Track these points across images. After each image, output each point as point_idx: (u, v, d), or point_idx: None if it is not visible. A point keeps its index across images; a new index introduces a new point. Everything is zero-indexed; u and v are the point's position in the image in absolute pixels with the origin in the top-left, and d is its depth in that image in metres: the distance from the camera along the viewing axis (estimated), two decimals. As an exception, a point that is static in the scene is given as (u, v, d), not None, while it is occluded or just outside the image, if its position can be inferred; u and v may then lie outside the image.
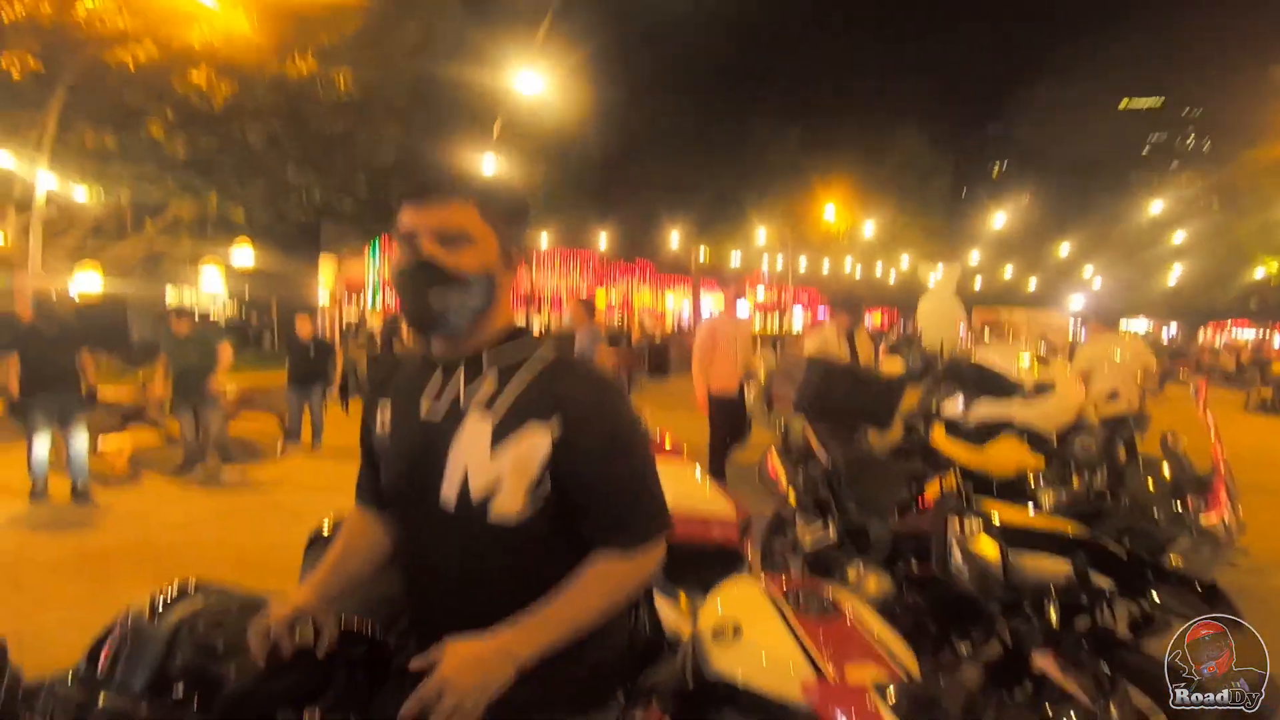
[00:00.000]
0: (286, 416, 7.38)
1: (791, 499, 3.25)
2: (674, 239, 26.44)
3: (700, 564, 1.80)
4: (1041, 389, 2.07)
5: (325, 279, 19.49)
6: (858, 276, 33.93)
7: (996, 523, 1.96)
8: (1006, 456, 2.08)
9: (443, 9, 12.28)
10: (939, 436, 2.27)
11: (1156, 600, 1.78)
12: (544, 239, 23.19)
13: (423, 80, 12.37)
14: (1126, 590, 1.82)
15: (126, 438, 6.31)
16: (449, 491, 1.03)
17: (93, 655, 1.10)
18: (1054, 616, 1.85)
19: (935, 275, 22.99)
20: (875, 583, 2.47)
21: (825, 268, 32.15)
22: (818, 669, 1.26)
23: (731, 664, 1.30)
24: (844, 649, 1.32)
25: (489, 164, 12.80)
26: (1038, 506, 2.06)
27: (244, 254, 12.92)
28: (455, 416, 1.05)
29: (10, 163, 8.95)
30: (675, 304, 31.27)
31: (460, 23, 13.08)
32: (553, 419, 1.00)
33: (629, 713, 1.14)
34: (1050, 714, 1.47)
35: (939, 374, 6.74)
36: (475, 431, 1.02)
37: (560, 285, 27.01)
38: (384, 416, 1.15)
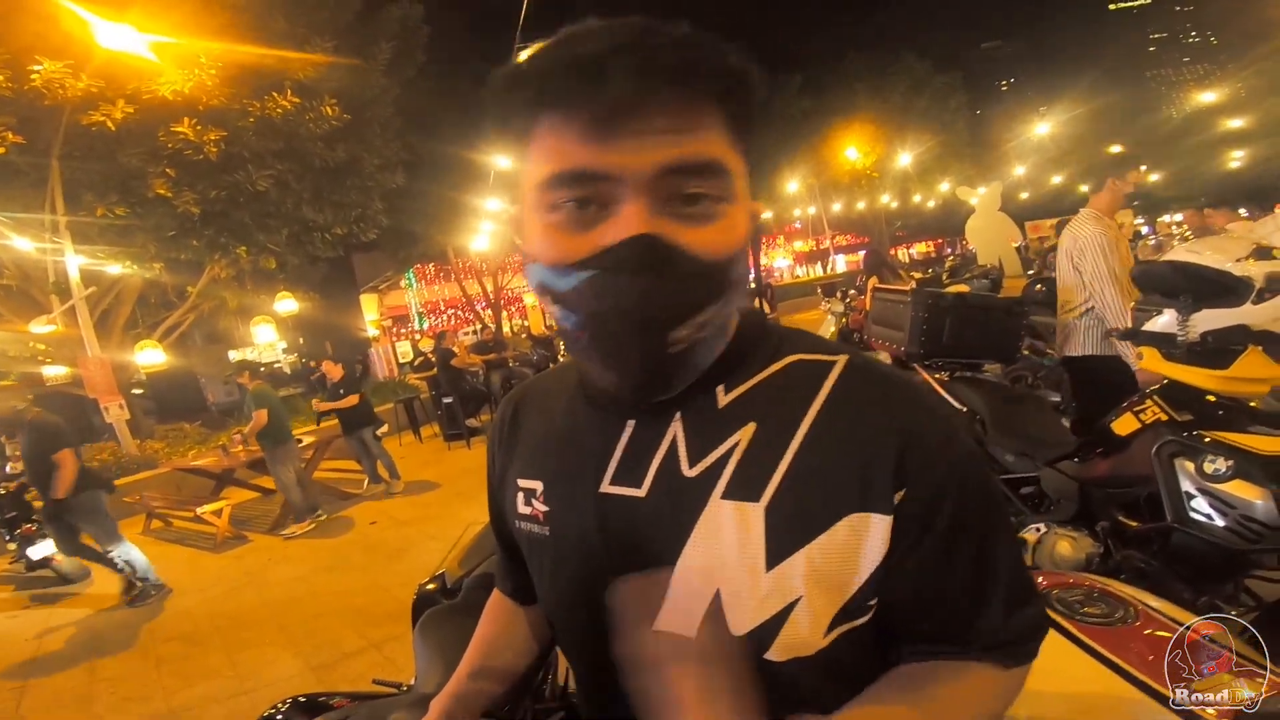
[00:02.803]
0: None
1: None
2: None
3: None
4: (1275, 285, 1.64)
5: (369, 314, 19.78)
6: (894, 209, 32.79)
7: (1257, 457, 1.55)
8: (1256, 372, 1.65)
9: (408, 23, 12.16)
10: (1155, 362, 1.86)
11: None
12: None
13: (409, 94, 12.26)
14: None
15: (223, 504, 6.39)
16: (680, 615, 0.58)
17: None
18: None
19: (976, 197, 21.99)
20: (1071, 545, 2.08)
21: (860, 207, 31.10)
22: (1160, 698, 0.91)
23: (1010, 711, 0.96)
24: (1178, 660, 0.97)
25: (504, 161, 12.56)
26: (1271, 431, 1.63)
27: (287, 304, 13.09)
28: (681, 498, 0.59)
29: (33, 248, 9.14)
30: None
31: (430, 31, 12.90)
32: (891, 499, 0.56)
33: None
34: None
35: (1034, 291, 6.19)
36: (730, 531, 0.57)
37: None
38: (529, 494, 0.70)
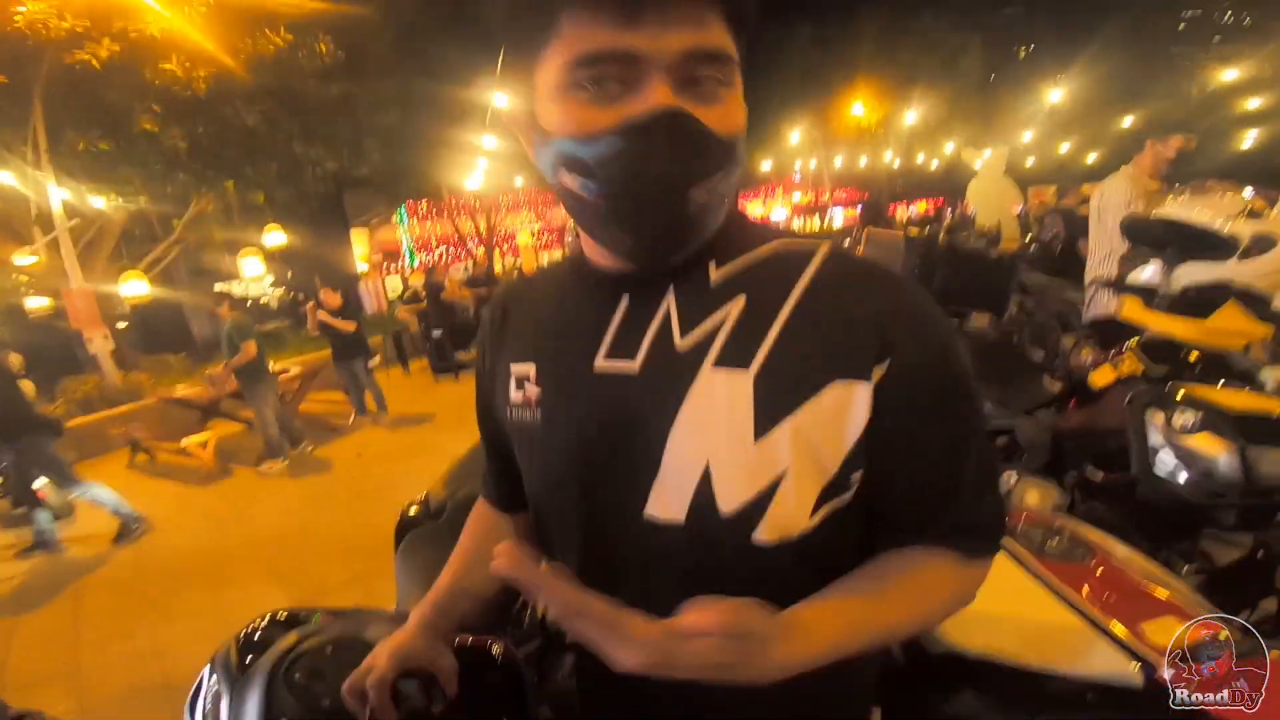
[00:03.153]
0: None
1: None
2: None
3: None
4: (1261, 244, 1.64)
5: (359, 249, 19.52)
6: (896, 168, 32.36)
7: (1224, 412, 1.57)
8: (1233, 325, 1.66)
9: None
10: (1136, 311, 1.86)
11: None
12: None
13: (406, 31, 11.82)
14: None
15: (208, 435, 6.42)
16: (671, 497, 0.61)
17: (192, 705, 0.87)
18: None
19: (981, 159, 21.71)
20: (1039, 494, 2.13)
21: (862, 163, 30.68)
22: (1105, 631, 0.94)
23: (970, 634, 0.99)
24: (1124, 599, 1.00)
25: (502, 104, 12.20)
26: (1260, 388, 1.65)
27: (276, 237, 12.90)
28: (673, 370, 0.62)
29: (16, 182, 8.97)
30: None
31: None
32: (872, 369, 0.58)
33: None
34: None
35: (1027, 251, 6.17)
36: (721, 399, 0.60)
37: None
38: (520, 380, 0.71)
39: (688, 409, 0.60)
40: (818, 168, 29.62)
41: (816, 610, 0.59)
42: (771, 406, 0.58)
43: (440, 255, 21.00)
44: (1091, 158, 39.51)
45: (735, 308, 0.61)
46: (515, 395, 0.71)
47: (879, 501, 0.64)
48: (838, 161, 29.95)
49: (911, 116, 27.07)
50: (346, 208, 18.93)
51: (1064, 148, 36.87)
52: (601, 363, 0.65)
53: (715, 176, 0.57)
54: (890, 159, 30.56)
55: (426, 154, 14.78)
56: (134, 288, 10.75)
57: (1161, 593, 1.03)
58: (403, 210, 20.34)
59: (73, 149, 8.59)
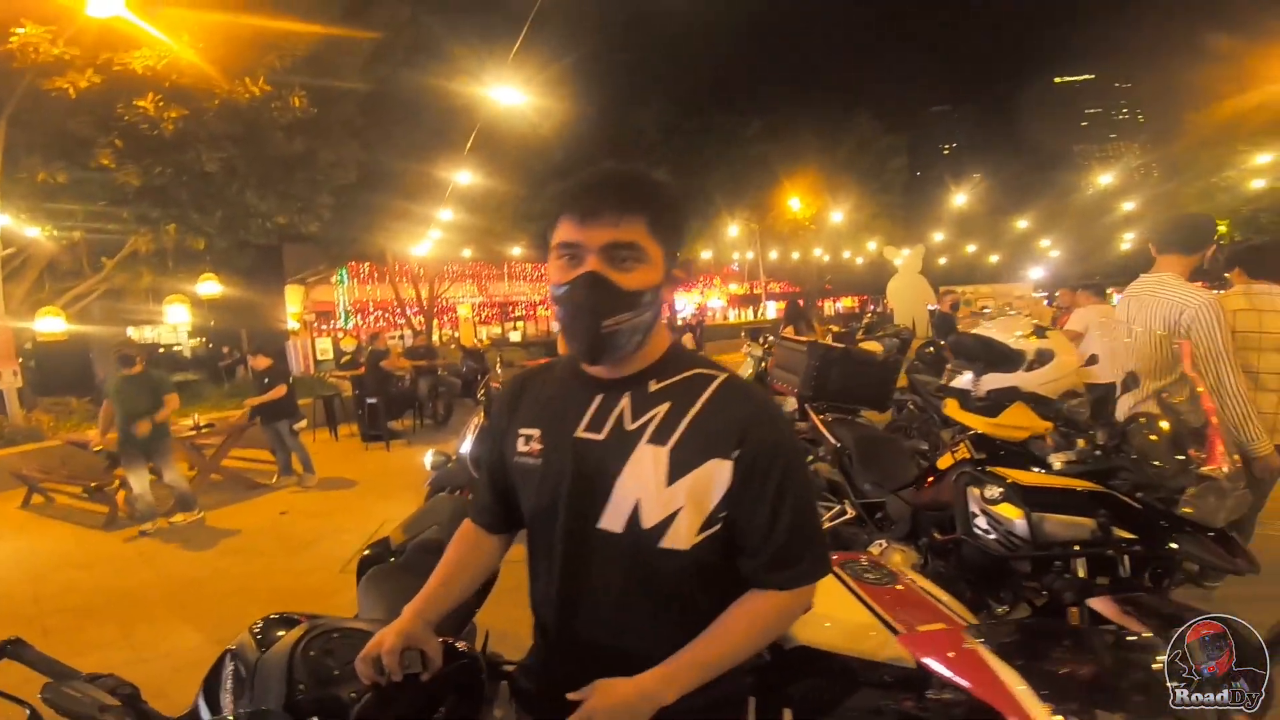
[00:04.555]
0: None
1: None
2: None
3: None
4: (1043, 357, 2.20)
5: (293, 306, 19.15)
6: (826, 262, 34.53)
7: (1017, 486, 2.06)
8: (1018, 421, 2.19)
9: (396, 24, 12.18)
10: (954, 410, 2.38)
11: (1175, 549, 1.90)
12: (517, 250, 23.10)
13: (380, 96, 12.24)
14: (1147, 541, 1.94)
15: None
16: (615, 516, 1.01)
17: (209, 693, 1.07)
18: (1082, 571, 1.96)
19: (901, 257, 23.66)
20: (901, 557, 2.55)
21: (794, 258, 32.62)
22: (893, 629, 1.33)
23: (810, 632, 1.37)
24: (911, 609, 1.40)
25: (463, 177, 12.72)
26: (1049, 469, 2.17)
27: (209, 287, 12.63)
28: (622, 442, 1.01)
29: None
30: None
31: (414, 37, 12.98)
32: (731, 453, 0.98)
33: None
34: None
35: (925, 353, 6.93)
36: (647, 463, 0.99)
37: (533, 295, 27.01)
38: (528, 438, 1.10)
39: (629, 465, 1.00)
40: (754, 259, 31.32)
41: (685, 656, 0.97)
42: (676, 469, 0.98)
43: (377, 320, 20.90)
44: (994, 258, 43.29)
45: (663, 409, 1.02)
46: (522, 447, 1.10)
47: (735, 534, 1.01)
48: (773, 254, 31.70)
49: (843, 214, 29.06)
50: (285, 262, 18.68)
51: (971, 248, 40.19)
52: (580, 433, 1.04)
53: (622, 315, 0.97)
54: (820, 255, 32.64)
55: (377, 216, 14.97)
56: (50, 324, 10.31)
57: (933, 605, 1.43)
58: (344, 271, 20.26)
59: (31, 175, 8.39)
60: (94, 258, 11.97)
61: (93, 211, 9.61)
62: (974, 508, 2.14)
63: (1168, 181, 28.58)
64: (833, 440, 3.28)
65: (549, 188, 20.08)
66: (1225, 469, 1.97)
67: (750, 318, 33.42)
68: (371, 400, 8.98)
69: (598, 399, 1.05)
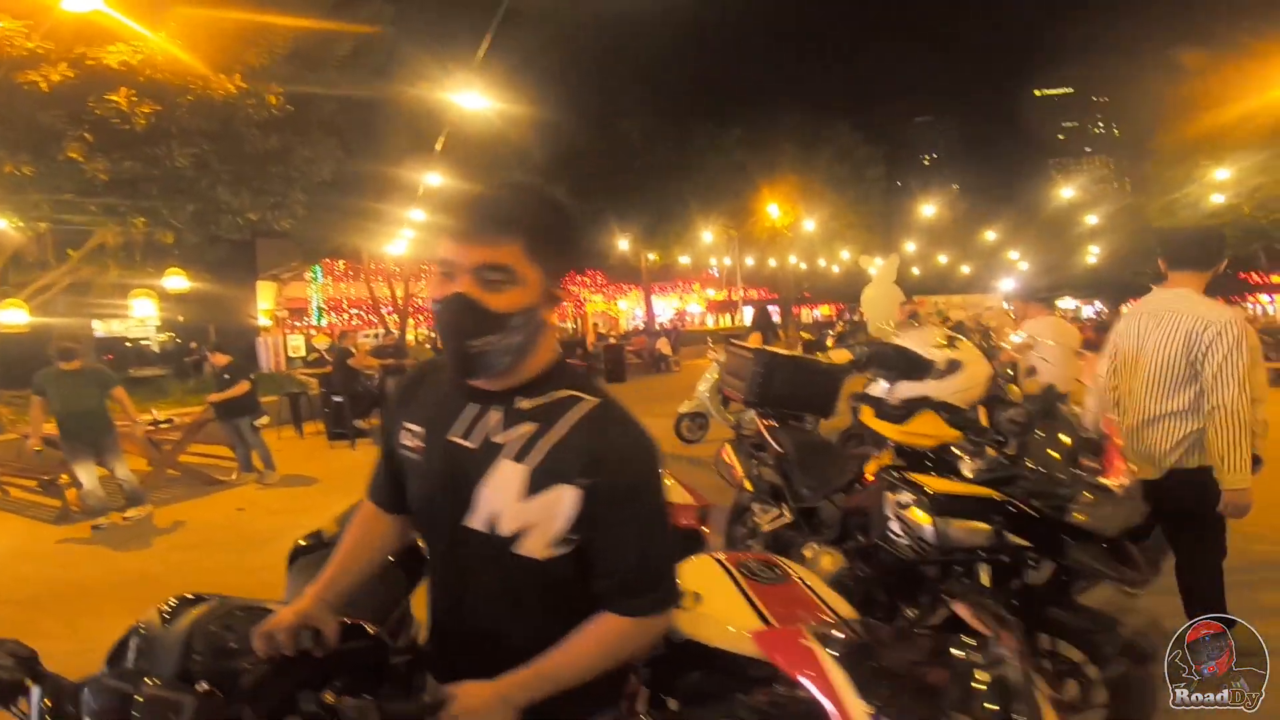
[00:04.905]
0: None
1: (747, 486, 3.43)
2: (622, 245, 26.69)
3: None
4: (952, 367, 2.31)
5: (264, 302, 18.93)
6: (803, 270, 34.91)
7: (926, 492, 2.17)
8: (926, 429, 2.30)
9: (376, 22, 12.17)
10: (867, 416, 2.49)
11: (1068, 555, 2.01)
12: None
13: (358, 94, 12.22)
14: (1042, 548, 2.05)
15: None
16: (476, 520, 1.07)
17: (114, 659, 1.12)
18: (985, 577, 2.06)
19: (875, 266, 24.00)
20: (829, 560, 2.64)
21: (771, 264, 32.94)
22: (769, 624, 1.42)
23: (694, 627, 1.45)
24: (790, 607, 1.49)
25: (434, 179, 12.71)
26: (959, 476, 2.28)
27: (176, 281, 12.48)
28: (488, 453, 1.07)
29: None
30: (629, 307, 31.76)
31: (395, 37, 12.96)
32: (583, 482, 1.02)
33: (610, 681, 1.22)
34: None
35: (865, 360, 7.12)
36: (507, 477, 1.05)
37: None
38: (411, 433, 1.17)
39: (491, 475, 1.06)
40: (732, 265, 31.57)
41: (536, 668, 1.03)
42: (533, 487, 1.03)
43: (351, 318, 20.74)
44: (966, 269, 44.10)
45: (528, 429, 1.06)
46: (407, 442, 1.17)
47: (587, 556, 1.06)
48: (749, 261, 31.98)
49: (820, 222, 29.40)
50: (258, 258, 18.49)
51: (942, 258, 40.86)
52: (453, 438, 1.10)
53: (490, 337, 1.00)
54: (795, 262, 32.99)
55: (352, 216, 14.92)
56: (12, 316, 10.14)
57: (815, 602, 1.52)
58: (318, 268, 20.08)
59: None
60: (59, 250, 11.81)
61: (60, 203, 9.48)
62: (889, 512, 2.25)
63: (1135, 195, 29.36)
64: (775, 445, 3.38)
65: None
66: (1124, 481, 2.07)
67: (729, 323, 33.69)
68: (338, 398, 8.95)
69: (473, 408, 1.11)
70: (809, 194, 28.44)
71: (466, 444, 1.10)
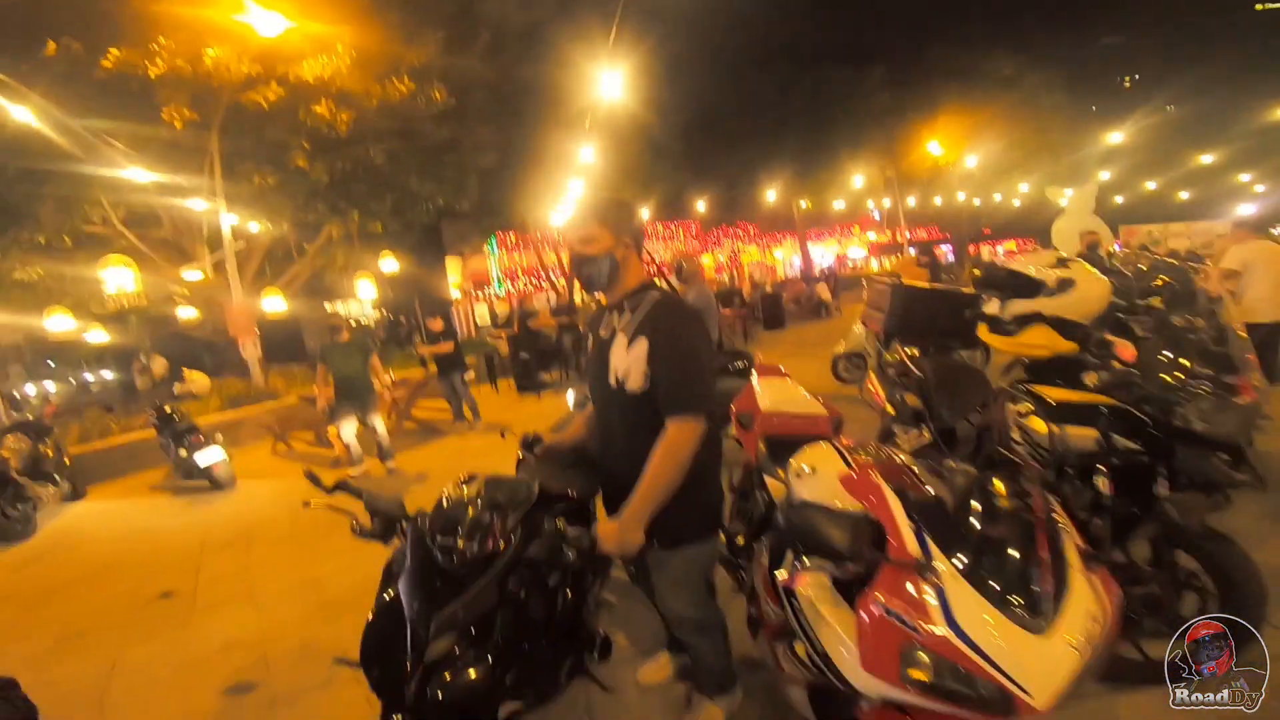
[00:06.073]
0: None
1: (889, 410, 3.72)
2: (772, 195, 26.30)
3: (797, 449, 2.38)
4: (1064, 285, 2.47)
5: (453, 276, 21.29)
6: (977, 205, 31.98)
7: (1043, 401, 2.38)
8: (1037, 340, 2.48)
9: (507, 15, 13.14)
10: (982, 331, 2.70)
11: (1178, 459, 2.14)
12: (645, 212, 23.88)
13: (507, 82, 13.32)
14: (1154, 452, 2.19)
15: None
16: (611, 378, 1.90)
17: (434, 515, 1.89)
18: (1104, 485, 2.22)
19: (1065, 197, 21.39)
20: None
21: (938, 201, 30.54)
22: (852, 470, 1.84)
23: (806, 491, 1.90)
24: (887, 478, 1.88)
25: (588, 155, 13.53)
26: (1084, 387, 2.44)
27: (389, 264, 14.51)
28: (611, 336, 1.92)
29: (197, 206, 10.73)
30: (785, 256, 31.30)
31: (531, 22, 13.86)
32: (648, 335, 1.81)
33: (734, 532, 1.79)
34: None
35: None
36: (619, 344, 1.88)
37: (667, 253, 27.75)
38: (590, 337, 2.07)
39: (614, 347, 1.92)
40: (892, 207, 29.76)
41: (635, 497, 1.80)
42: (628, 345, 1.86)
43: (525, 285, 22.67)
44: (1185, 195, 37.55)
45: (628, 316, 1.91)
46: (589, 347, 2.08)
47: (654, 383, 1.82)
48: (911, 201, 29.94)
49: (991, 155, 26.81)
50: (444, 238, 20.78)
51: (1150, 185, 35.20)
52: (600, 332, 2.01)
53: (590, 265, 1.92)
54: (964, 198, 30.30)
55: (518, 191, 16.36)
56: (274, 303, 12.60)
57: (905, 475, 1.89)
58: (493, 241, 22.10)
59: (247, 180, 10.15)
60: (299, 245, 14.31)
61: (297, 204, 11.44)
62: (1010, 422, 2.49)
63: None
64: (916, 372, 3.62)
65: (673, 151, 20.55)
66: (1247, 399, 2.14)
67: (890, 265, 31.93)
68: (524, 355, 10.18)
69: (607, 315, 1.99)
70: (974, 127, 25.88)
71: (603, 334, 1.97)
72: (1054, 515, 1.56)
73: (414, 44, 10.54)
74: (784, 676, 1.95)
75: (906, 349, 3.83)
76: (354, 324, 25.11)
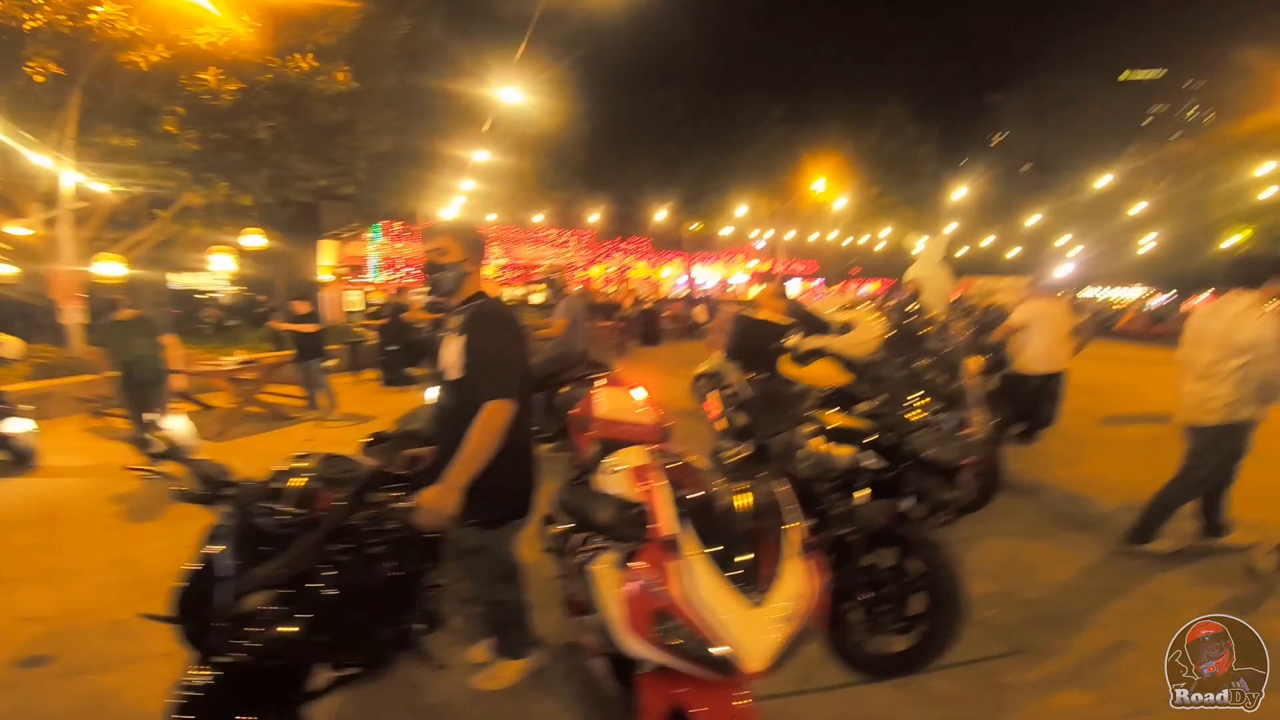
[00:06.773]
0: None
1: (718, 427, 4.17)
2: (663, 215, 27.21)
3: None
4: (845, 327, 3.05)
5: (327, 259, 20.23)
6: (847, 244, 34.67)
7: (822, 425, 2.86)
8: (823, 373, 3.02)
9: (432, 5, 12.92)
10: (784, 363, 3.21)
11: (909, 477, 2.69)
12: (539, 217, 23.92)
13: (414, 72, 13.05)
14: (893, 469, 2.72)
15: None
16: (445, 367, 2.31)
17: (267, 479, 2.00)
18: (858, 495, 2.71)
19: (920, 244, 23.89)
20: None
21: (814, 238, 32.87)
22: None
23: (610, 484, 2.20)
24: (676, 478, 2.22)
25: (486, 155, 13.45)
26: (855, 414, 2.97)
27: (254, 239, 13.63)
28: (448, 335, 2.34)
29: (40, 162, 9.66)
30: (672, 275, 32.38)
31: (448, 17, 13.69)
32: (463, 335, 2.23)
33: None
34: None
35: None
36: (450, 341, 2.31)
37: (556, 260, 27.85)
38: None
39: (446, 344, 2.38)
40: (774, 238, 31.66)
41: (453, 466, 2.14)
42: (459, 345, 2.28)
43: (406, 275, 21.97)
44: (1013, 253, 42.66)
45: (458, 320, 2.34)
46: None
47: (470, 372, 2.25)
48: (790, 236, 31.97)
49: (866, 199, 29.16)
50: (322, 219, 19.75)
51: (987, 240, 39.73)
52: (445, 333, 2.38)
53: (440, 271, 2.37)
54: (837, 238, 32.81)
55: (409, 180, 15.92)
56: (108, 268, 11.41)
57: (697, 470, 2.26)
58: (378, 228, 21.27)
59: (104, 139, 9.30)
60: (149, 210, 13.09)
61: (155, 170, 10.54)
62: (799, 441, 2.95)
63: (1203, 185, 27.89)
64: (746, 393, 4.10)
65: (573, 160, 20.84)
66: (972, 430, 2.73)
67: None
68: (393, 347, 9.97)
69: (451, 318, 2.39)
70: (855, 170, 28.19)
71: (446, 334, 2.37)
72: (786, 513, 1.94)
73: (328, 24, 10.10)
74: (588, 649, 2.22)
75: (748, 373, 4.31)
76: (200, 297, 23.07)
